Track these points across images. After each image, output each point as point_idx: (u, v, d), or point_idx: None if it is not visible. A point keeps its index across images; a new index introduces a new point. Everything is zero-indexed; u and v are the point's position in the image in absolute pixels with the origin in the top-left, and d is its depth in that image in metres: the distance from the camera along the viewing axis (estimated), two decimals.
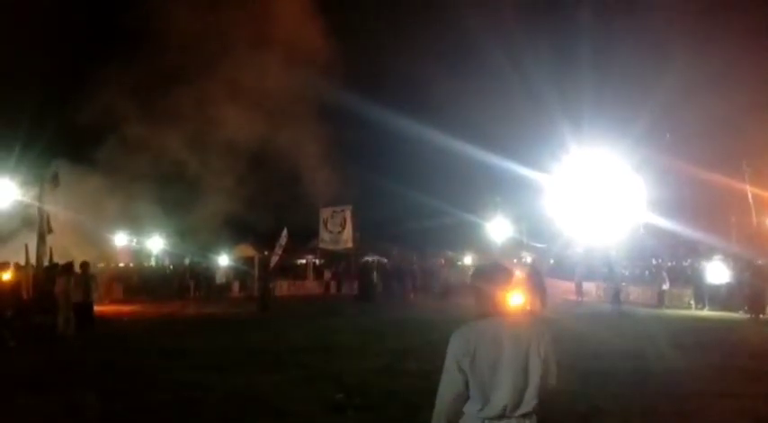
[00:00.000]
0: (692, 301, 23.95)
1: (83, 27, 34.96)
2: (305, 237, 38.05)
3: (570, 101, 31.19)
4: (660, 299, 24.19)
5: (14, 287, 17.70)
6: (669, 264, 30.60)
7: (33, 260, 21.03)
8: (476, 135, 31.40)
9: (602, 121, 30.13)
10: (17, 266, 21.46)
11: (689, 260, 29.70)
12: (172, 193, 32.43)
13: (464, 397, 3.03)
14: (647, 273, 30.69)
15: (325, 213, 34.10)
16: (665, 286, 24.46)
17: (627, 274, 30.42)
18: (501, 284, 3.17)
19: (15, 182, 24.18)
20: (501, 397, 2.97)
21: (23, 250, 21.07)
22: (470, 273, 3.35)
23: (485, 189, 36.90)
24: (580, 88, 30.85)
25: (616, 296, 22.64)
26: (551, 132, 30.81)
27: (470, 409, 3.02)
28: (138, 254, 37.34)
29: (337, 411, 7.71)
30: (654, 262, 33.01)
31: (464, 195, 37.20)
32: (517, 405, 2.98)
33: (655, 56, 31.28)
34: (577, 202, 31.00)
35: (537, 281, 20.25)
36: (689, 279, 25.62)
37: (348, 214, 33.59)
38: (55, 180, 23.02)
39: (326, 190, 34.32)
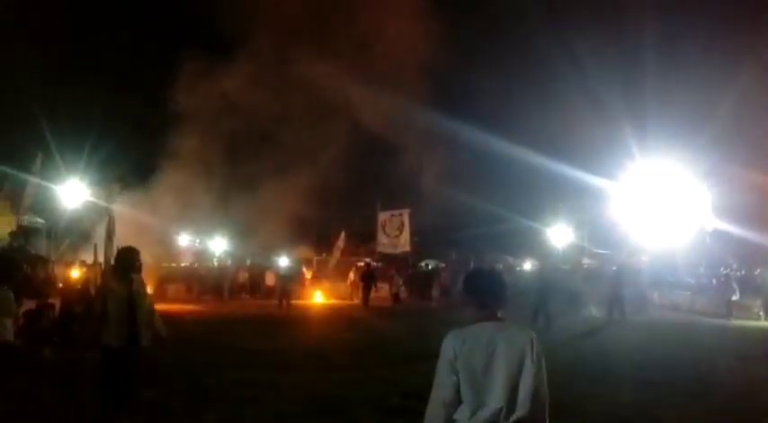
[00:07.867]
0: (762, 312, 23.03)
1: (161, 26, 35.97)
2: (363, 240, 38.34)
3: (635, 107, 30.44)
4: (729, 309, 23.33)
5: (83, 284, 18.47)
6: (738, 273, 29.47)
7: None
8: (538, 142, 30.93)
9: (669, 128, 29.24)
10: (85, 264, 22.39)
11: (758, 269, 28.55)
12: (235, 192, 33.19)
13: (456, 402, 3.00)
14: (714, 281, 29.62)
15: (383, 217, 34.14)
16: (735, 296, 23.56)
17: (693, 282, 29.52)
18: (494, 290, 3.22)
19: (85, 183, 25.11)
20: (495, 400, 2.96)
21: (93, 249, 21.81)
22: (463, 279, 3.35)
23: (546, 195, 36.34)
24: (645, 94, 30.02)
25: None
26: (615, 139, 30.11)
27: (461, 416, 2.99)
28: (202, 254, 38.17)
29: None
30: (723, 270, 31.88)
31: (525, 201, 36.73)
32: (512, 409, 2.96)
33: (723, 61, 30.14)
34: (642, 209, 30.31)
35: (615, 289, 20.63)
36: (758, 289, 24.62)
37: (406, 218, 33.57)
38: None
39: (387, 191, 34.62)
